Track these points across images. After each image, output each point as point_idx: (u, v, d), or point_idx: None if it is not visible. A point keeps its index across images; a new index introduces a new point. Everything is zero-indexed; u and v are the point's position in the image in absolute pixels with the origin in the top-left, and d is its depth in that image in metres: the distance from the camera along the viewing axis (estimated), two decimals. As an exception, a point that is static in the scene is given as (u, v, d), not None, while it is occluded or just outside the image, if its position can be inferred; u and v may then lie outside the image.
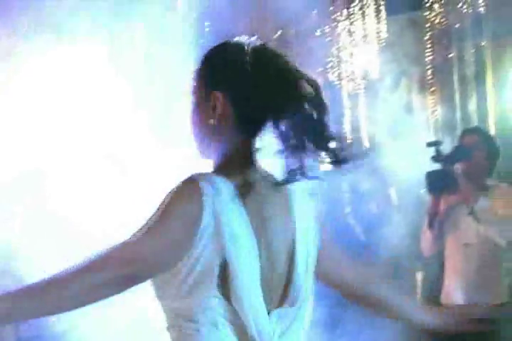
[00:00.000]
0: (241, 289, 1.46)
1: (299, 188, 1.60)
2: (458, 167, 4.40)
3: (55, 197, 3.59)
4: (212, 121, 1.50)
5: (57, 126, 3.69)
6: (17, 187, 3.65)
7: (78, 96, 3.75)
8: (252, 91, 1.49)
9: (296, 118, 1.46)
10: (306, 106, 1.49)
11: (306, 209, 1.62)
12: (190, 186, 1.44)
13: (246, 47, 1.52)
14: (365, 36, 6.68)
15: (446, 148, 4.55)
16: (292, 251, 1.58)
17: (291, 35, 6.24)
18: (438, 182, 4.30)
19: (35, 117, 3.67)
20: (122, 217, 3.29)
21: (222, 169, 1.53)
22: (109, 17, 4.12)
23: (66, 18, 3.90)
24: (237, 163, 1.53)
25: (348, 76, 6.81)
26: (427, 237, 4.47)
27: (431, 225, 4.42)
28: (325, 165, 1.55)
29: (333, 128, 1.53)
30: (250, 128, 1.53)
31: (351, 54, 6.76)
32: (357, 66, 6.79)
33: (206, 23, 5.56)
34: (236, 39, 1.56)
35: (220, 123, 1.50)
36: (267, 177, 1.58)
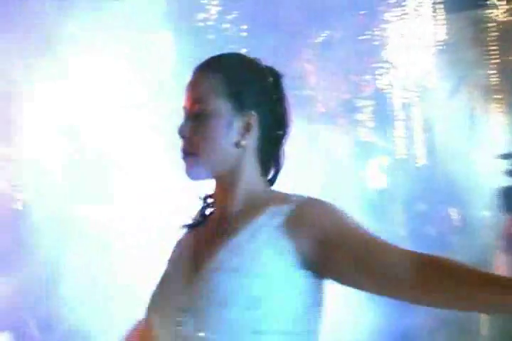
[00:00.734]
0: None
1: None
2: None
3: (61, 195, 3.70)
4: (244, 142, 1.43)
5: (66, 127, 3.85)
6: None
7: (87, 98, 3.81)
8: (276, 116, 1.47)
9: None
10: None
11: None
12: None
13: (264, 67, 1.48)
14: (419, 38, 6.36)
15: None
16: None
17: (336, 38, 5.92)
18: (514, 200, 3.94)
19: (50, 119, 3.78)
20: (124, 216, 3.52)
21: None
22: (135, 18, 4.02)
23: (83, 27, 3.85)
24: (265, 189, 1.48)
25: (400, 83, 6.46)
26: (502, 263, 4.06)
27: (507, 249, 4.02)
28: None
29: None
30: (266, 157, 1.49)
31: (404, 59, 6.41)
32: (410, 72, 6.48)
33: (243, 27, 5.24)
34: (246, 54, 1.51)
35: (249, 144, 1.44)
36: None
